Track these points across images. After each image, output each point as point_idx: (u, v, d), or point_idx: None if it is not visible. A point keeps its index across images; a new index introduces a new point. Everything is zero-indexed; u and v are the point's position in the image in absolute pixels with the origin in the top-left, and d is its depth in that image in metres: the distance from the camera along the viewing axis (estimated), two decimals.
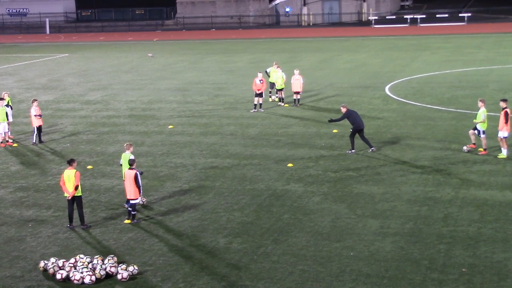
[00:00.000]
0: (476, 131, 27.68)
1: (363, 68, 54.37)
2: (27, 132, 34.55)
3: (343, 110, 28.83)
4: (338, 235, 19.97)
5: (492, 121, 29.44)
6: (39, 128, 32.54)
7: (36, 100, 33.19)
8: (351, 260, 18.24)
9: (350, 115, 28.57)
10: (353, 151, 28.53)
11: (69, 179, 20.97)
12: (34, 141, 32.36)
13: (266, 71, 41.00)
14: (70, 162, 21.40)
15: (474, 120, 27.84)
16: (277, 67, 40.06)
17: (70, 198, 21.02)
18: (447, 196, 22.86)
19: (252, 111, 38.09)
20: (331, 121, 29.78)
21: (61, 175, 21.83)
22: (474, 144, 27.85)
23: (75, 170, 21.13)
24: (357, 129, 28.50)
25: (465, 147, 27.98)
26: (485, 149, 27.55)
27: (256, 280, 17.30)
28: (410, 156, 27.82)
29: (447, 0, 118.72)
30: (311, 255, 18.64)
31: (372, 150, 28.57)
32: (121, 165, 23.20)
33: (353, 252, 18.69)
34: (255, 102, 38.38)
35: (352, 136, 28.65)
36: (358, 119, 28.51)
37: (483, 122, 27.37)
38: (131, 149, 22.89)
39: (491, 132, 28.64)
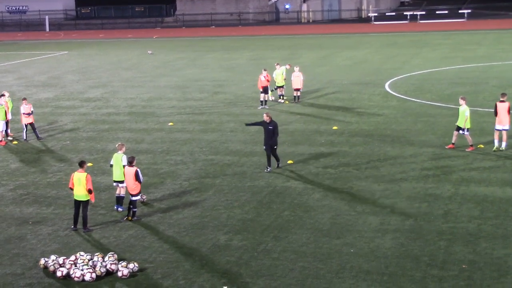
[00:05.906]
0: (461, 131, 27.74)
1: (363, 65, 54.34)
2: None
3: (269, 119, 25.84)
4: (338, 232, 19.97)
5: (493, 118, 29.35)
6: (32, 125, 32.64)
7: (26, 99, 33.37)
8: (351, 256, 18.24)
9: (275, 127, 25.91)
10: (269, 168, 26.02)
11: (80, 182, 20.51)
12: (24, 138, 32.60)
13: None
14: (81, 164, 20.84)
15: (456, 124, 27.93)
16: (279, 65, 39.84)
17: (83, 200, 20.60)
18: (447, 193, 22.86)
19: (259, 107, 38.05)
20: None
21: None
22: (472, 146, 27.85)
23: (86, 173, 20.63)
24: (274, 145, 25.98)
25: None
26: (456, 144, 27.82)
27: (256, 277, 17.30)
28: (410, 153, 27.80)
29: None
30: (311, 252, 18.64)
31: (278, 165, 26.24)
32: (111, 165, 22.73)
33: (353, 249, 18.69)
34: (261, 99, 38.38)
35: (271, 150, 25.98)
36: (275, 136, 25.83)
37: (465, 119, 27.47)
38: (123, 149, 22.60)
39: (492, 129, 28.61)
